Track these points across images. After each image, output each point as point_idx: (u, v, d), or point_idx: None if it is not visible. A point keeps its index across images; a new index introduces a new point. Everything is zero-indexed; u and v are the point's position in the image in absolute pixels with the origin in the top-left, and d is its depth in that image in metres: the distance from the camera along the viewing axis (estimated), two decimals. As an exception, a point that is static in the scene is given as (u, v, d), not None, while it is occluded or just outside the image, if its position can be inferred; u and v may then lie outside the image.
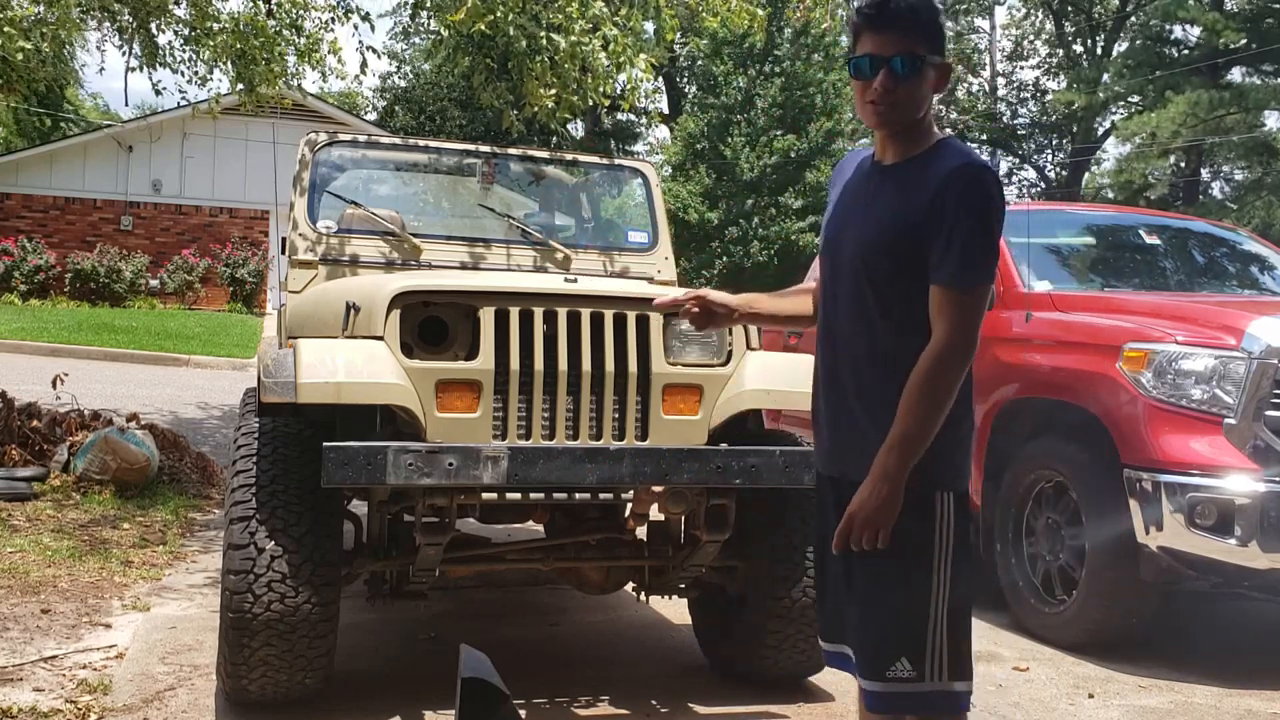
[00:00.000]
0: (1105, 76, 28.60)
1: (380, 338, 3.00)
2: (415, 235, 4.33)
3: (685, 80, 31.35)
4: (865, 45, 2.08)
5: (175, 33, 7.86)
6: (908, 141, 2.12)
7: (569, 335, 3.06)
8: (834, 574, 2.20)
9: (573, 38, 6.13)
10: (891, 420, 2.02)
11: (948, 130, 2.39)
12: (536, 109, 6.34)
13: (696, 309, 2.35)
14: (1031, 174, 34.28)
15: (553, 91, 6.27)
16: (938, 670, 2.07)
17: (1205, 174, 30.07)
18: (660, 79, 29.66)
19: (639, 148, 33.86)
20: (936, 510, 2.07)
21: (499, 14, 5.98)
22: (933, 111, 2.17)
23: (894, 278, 2.07)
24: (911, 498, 2.02)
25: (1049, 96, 32.54)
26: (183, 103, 11.88)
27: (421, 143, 4.94)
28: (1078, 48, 33.05)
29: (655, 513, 3.36)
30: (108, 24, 7.90)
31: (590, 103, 6.59)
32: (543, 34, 6.13)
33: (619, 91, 7.44)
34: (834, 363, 2.17)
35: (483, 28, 6.07)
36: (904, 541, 2.03)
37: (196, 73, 8.05)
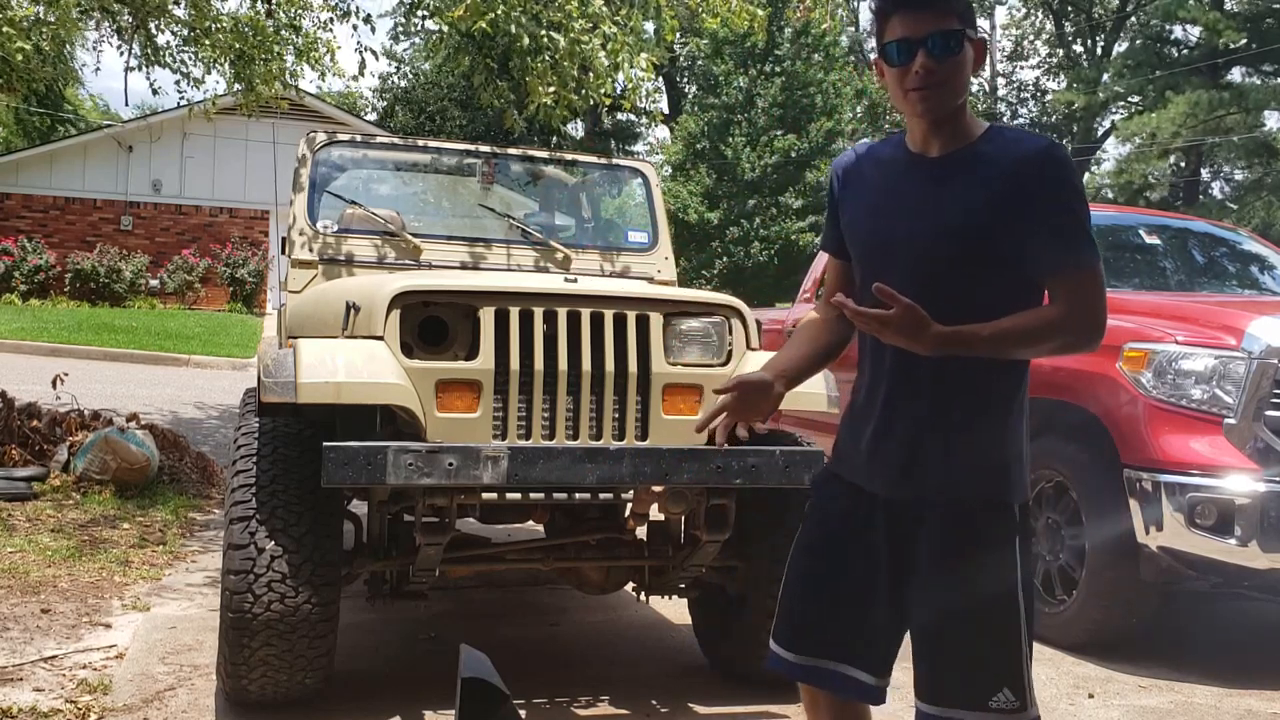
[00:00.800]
0: (1105, 76, 28.67)
1: (380, 338, 2.99)
2: (415, 235, 4.33)
3: (685, 80, 31.38)
4: (895, 30, 1.88)
5: (174, 33, 7.86)
6: (953, 129, 1.93)
7: (569, 335, 3.06)
8: (882, 597, 1.99)
9: (571, 35, 6.13)
10: (979, 437, 1.90)
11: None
12: (537, 105, 6.33)
13: (737, 405, 2.02)
14: (1031, 174, 34.24)
15: (551, 90, 6.27)
16: (1032, 695, 1.91)
17: (1205, 174, 30.10)
18: (660, 79, 29.68)
19: (639, 148, 33.91)
20: (1020, 523, 1.93)
21: (499, 12, 5.98)
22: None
23: (974, 272, 1.88)
24: (1002, 513, 1.91)
25: (1049, 96, 32.59)
26: (182, 103, 11.88)
27: (421, 143, 4.93)
28: (1078, 48, 33.10)
29: (655, 513, 3.36)
30: (107, 24, 7.90)
31: (590, 102, 6.59)
32: (543, 32, 6.13)
33: (619, 91, 7.44)
34: (897, 371, 1.94)
35: (483, 25, 6.07)
36: (1000, 561, 1.89)
37: (188, 74, 8.05)
